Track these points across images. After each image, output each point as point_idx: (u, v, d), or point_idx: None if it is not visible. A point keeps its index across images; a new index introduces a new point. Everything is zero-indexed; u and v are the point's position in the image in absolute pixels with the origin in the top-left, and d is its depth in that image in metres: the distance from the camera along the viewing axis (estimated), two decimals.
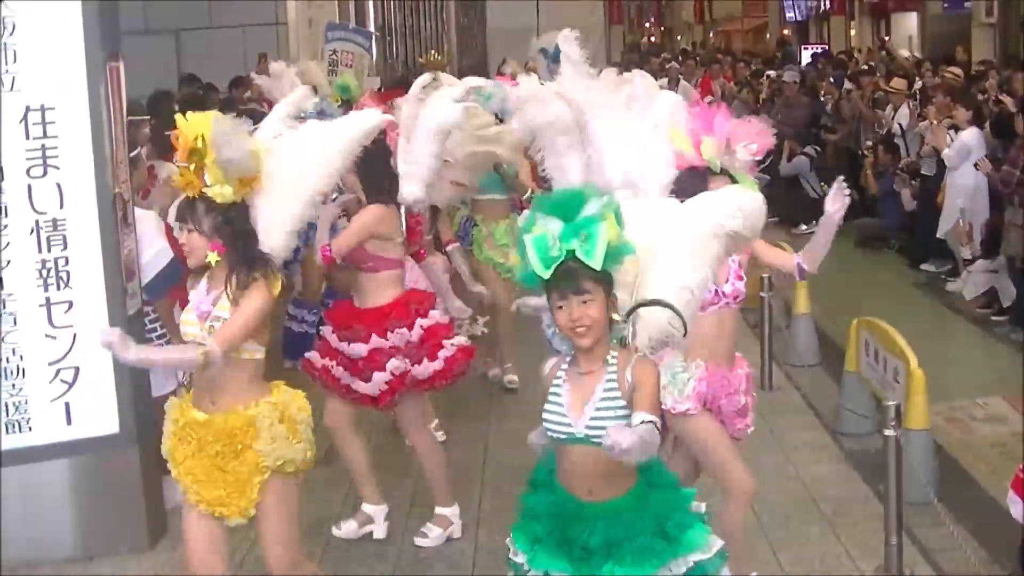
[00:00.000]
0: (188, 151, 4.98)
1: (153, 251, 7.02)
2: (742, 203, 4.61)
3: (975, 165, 13.02)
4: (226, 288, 5.07)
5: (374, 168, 6.75)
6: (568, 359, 4.43)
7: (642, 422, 4.14)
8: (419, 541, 6.96)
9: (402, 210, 6.88)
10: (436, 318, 6.85)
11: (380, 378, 6.64)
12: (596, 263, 4.21)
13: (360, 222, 6.67)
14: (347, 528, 7.09)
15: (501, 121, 9.12)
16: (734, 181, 5.53)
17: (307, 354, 6.97)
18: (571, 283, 4.23)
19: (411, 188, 6.76)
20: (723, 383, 5.71)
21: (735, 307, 5.84)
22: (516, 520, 4.52)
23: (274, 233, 5.22)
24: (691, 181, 5.45)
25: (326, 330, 6.90)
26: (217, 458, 5.12)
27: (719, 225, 4.51)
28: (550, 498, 4.42)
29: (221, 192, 5.04)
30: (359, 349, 6.67)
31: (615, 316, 4.32)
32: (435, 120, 6.83)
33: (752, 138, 5.79)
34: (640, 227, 4.42)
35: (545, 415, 4.38)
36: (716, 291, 5.59)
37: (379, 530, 7.08)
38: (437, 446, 7.20)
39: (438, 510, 7.02)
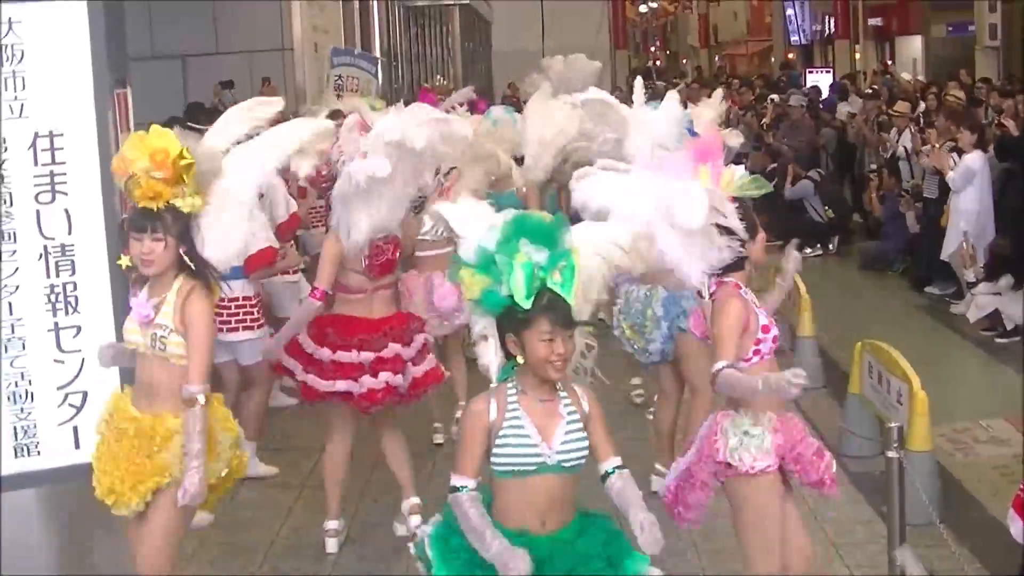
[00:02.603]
0: (174, 164, 5.13)
1: None
2: (637, 243, 4.71)
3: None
4: (173, 295, 5.30)
5: None
6: (512, 389, 4.38)
7: (617, 468, 4.44)
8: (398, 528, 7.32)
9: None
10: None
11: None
12: (572, 299, 4.24)
13: (327, 256, 6.96)
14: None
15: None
16: None
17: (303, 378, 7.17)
18: (562, 317, 4.24)
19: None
20: (794, 430, 5.45)
21: None
22: (443, 563, 4.40)
23: (223, 243, 5.42)
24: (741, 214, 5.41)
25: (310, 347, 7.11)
26: (129, 450, 5.31)
27: (610, 257, 4.59)
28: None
29: (193, 203, 5.26)
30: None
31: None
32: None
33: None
34: None
35: (508, 448, 4.31)
36: (774, 337, 5.38)
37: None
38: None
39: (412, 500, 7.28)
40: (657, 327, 7.35)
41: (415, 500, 7.26)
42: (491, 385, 4.45)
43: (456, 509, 4.33)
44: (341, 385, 6.93)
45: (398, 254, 7.15)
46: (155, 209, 5.21)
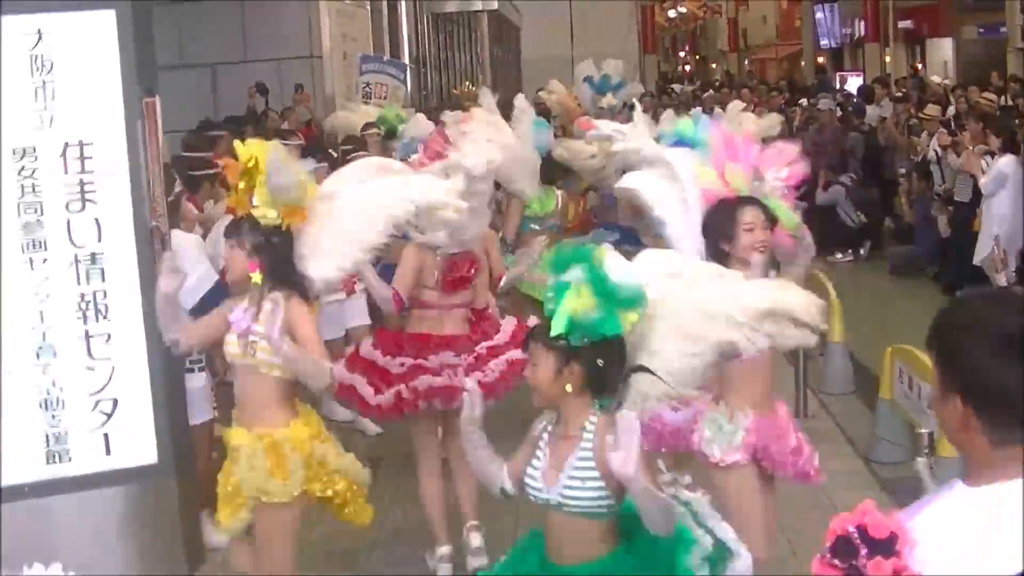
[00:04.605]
0: (241, 171, 5.30)
1: (196, 275, 7.12)
2: (778, 306, 4.43)
3: None
4: (267, 303, 5.35)
5: None
6: (556, 419, 4.36)
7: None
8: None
9: None
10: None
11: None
12: (555, 328, 4.15)
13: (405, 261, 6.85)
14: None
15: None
16: (764, 207, 5.55)
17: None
18: (534, 340, 4.28)
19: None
20: (771, 428, 5.61)
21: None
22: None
23: (324, 264, 5.48)
24: (722, 214, 5.47)
25: (376, 354, 6.96)
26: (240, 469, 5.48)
27: (734, 320, 4.36)
28: (532, 565, 4.38)
29: (265, 214, 5.35)
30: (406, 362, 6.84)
31: (568, 388, 4.23)
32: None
33: (782, 163, 5.79)
34: (657, 285, 4.31)
35: (526, 477, 4.36)
36: None
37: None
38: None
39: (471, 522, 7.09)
40: None
41: (474, 523, 7.12)
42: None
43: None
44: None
45: (474, 272, 7.02)
46: (239, 218, 5.40)
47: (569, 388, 4.23)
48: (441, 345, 6.88)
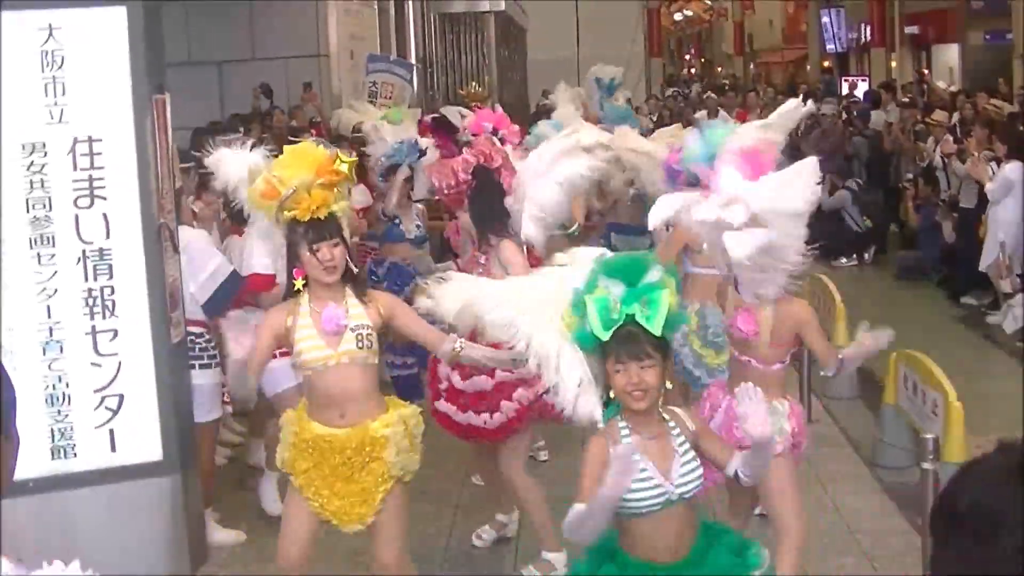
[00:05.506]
0: (338, 171, 5.39)
1: (212, 267, 7.11)
2: None
3: None
4: (352, 297, 5.47)
5: (491, 205, 6.86)
6: (625, 430, 4.40)
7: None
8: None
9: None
10: None
11: (508, 407, 6.65)
12: (656, 329, 4.27)
13: (521, 261, 6.72)
14: (487, 535, 7.40)
15: None
16: None
17: (437, 405, 6.86)
18: (633, 347, 4.28)
19: (533, 231, 6.82)
20: (800, 420, 5.82)
21: None
22: None
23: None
24: None
25: (445, 372, 6.77)
26: (341, 469, 5.43)
27: None
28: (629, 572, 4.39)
29: (344, 207, 5.54)
30: (483, 382, 6.65)
31: (668, 384, 4.38)
32: (567, 176, 6.91)
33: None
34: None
35: (633, 493, 4.26)
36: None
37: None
38: (534, 485, 6.94)
39: (544, 554, 6.86)
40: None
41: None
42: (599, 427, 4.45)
43: (574, 518, 4.26)
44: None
45: None
46: (323, 218, 5.35)
47: (669, 384, 4.40)
48: None
